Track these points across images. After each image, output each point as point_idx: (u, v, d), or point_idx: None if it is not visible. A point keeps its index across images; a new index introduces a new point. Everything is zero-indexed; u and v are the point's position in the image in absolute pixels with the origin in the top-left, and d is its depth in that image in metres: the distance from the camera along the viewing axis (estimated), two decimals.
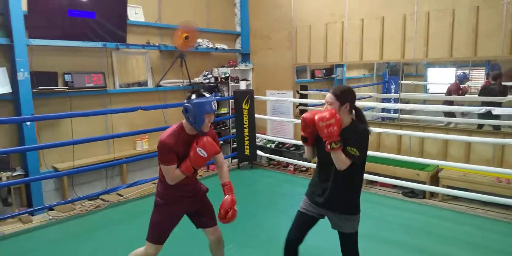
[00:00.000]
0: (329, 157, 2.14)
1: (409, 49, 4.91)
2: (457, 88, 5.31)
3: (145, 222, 3.75)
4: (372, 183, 4.95)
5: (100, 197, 4.53)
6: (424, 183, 4.41)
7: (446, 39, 4.57)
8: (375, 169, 4.82)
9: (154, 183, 5.00)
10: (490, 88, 4.75)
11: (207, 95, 2.25)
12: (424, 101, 5.56)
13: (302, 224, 2.37)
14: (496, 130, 4.39)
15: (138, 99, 5.22)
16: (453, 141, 4.53)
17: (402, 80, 5.51)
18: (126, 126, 5.10)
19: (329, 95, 2.19)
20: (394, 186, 4.75)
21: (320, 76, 6.64)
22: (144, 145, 5.23)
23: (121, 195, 4.61)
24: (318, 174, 2.34)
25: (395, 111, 5.32)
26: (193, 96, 2.22)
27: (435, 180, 4.47)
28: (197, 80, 5.87)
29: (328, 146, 2.08)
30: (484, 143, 4.20)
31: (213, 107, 2.23)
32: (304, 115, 2.25)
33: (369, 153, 4.63)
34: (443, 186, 4.32)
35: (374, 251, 3.18)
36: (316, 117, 2.09)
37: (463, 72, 5.39)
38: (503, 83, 4.67)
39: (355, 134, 2.12)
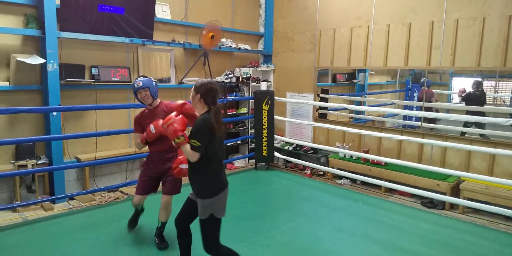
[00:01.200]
0: None
1: (435, 56, 4.83)
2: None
3: None
4: (390, 191, 4.88)
5: (119, 189, 4.60)
6: (444, 194, 4.32)
7: (474, 48, 4.48)
8: (395, 177, 4.75)
9: None
10: (474, 95, 4.99)
11: (140, 78, 3.16)
12: (447, 111, 5.44)
13: (186, 206, 2.63)
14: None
15: (161, 95, 5.18)
16: (477, 152, 4.44)
17: (425, 88, 5.43)
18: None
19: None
20: (413, 196, 4.68)
21: (341, 80, 6.59)
22: None
23: None
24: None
25: (417, 119, 5.24)
26: None
27: (456, 191, 4.38)
28: (218, 79, 5.91)
29: (173, 143, 2.41)
30: (509, 156, 4.10)
31: (135, 85, 3.10)
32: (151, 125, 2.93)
33: (389, 160, 4.66)
34: (464, 198, 4.22)
35: None
36: (159, 123, 2.65)
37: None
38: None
39: (195, 126, 2.37)
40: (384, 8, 5.23)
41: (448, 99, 5.82)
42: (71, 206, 4.09)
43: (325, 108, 6.03)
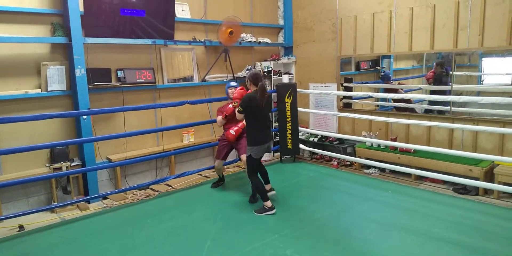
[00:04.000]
0: None
1: (462, 38, 4.65)
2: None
3: (191, 210, 3.94)
4: (421, 179, 4.77)
5: (150, 187, 4.76)
6: (477, 179, 4.17)
7: (504, 26, 4.27)
8: (425, 164, 4.64)
9: (200, 175, 5.18)
10: (442, 75, 5.17)
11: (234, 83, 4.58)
12: (478, 93, 5.22)
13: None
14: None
15: (185, 94, 5.41)
16: (510, 136, 4.26)
17: (454, 71, 5.22)
18: (174, 120, 5.32)
19: None
20: (444, 182, 4.56)
21: (365, 68, 6.45)
22: (190, 138, 5.43)
23: (170, 186, 4.82)
24: None
25: (447, 103, 5.06)
26: None
27: (490, 176, 4.22)
28: (240, 74, 5.94)
29: (231, 105, 4.25)
30: None
31: (230, 84, 4.57)
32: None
33: (418, 147, 4.55)
34: (499, 183, 4.06)
35: (424, 247, 3.09)
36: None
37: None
38: None
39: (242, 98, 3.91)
40: None
41: (478, 81, 5.58)
42: (105, 205, 4.27)
43: (350, 98, 5.94)
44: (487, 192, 4.22)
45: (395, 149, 5.02)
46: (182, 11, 5.40)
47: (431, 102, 5.22)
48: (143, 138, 5.00)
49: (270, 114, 4.51)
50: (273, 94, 5.98)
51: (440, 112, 5.19)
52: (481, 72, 5.50)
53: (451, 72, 5.03)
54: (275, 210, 3.84)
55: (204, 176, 5.20)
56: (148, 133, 4.81)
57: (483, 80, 5.35)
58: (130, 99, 4.87)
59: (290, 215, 3.82)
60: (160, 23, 4.89)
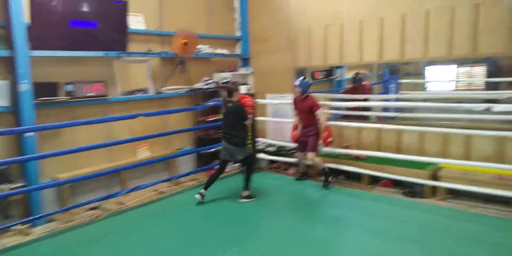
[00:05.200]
0: None
1: (408, 48, 4.90)
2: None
3: (145, 230, 3.78)
4: (373, 183, 4.96)
5: (100, 206, 4.53)
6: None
7: (445, 38, 4.56)
8: (376, 170, 4.80)
9: (156, 190, 5.04)
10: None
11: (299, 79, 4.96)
12: (424, 100, 5.51)
13: None
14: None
15: (139, 107, 5.30)
16: (453, 139, 4.54)
17: (401, 79, 5.51)
18: (127, 134, 5.14)
19: None
20: (394, 186, 4.79)
21: (320, 77, 6.65)
22: (145, 152, 5.29)
23: (122, 204, 4.62)
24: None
25: (394, 110, 5.31)
26: None
27: (435, 179, 4.44)
28: (197, 85, 5.93)
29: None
30: (484, 140, 4.25)
31: (295, 83, 4.97)
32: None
33: (370, 153, 4.73)
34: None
35: (380, 246, 3.25)
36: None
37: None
38: None
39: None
40: (356, 5, 5.31)
41: (423, 87, 5.90)
42: (51, 229, 3.97)
43: None
44: (433, 194, 4.43)
45: (347, 156, 5.20)
46: (136, 22, 5.34)
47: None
48: (93, 155, 4.76)
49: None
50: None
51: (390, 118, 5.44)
52: (425, 79, 5.84)
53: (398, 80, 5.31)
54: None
55: (160, 191, 5.05)
56: (98, 148, 4.48)
57: (426, 87, 5.69)
58: (80, 114, 4.69)
59: (247, 226, 3.82)
60: (113, 35, 4.79)
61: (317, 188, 4.92)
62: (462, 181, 4.17)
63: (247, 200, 4.50)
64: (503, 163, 4.13)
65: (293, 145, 5.77)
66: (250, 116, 4.47)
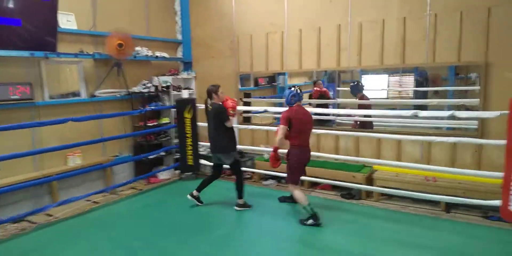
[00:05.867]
0: None
1: (344, 57, 5.14)
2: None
3: (77, 244, 3.51)
4: (313, 186, 5.10)
5: (26, 218, 4.14)
6: (360, 184, 4.60)
7: (377, 48, 4.85)
8: (316, 173, 4.94)
9: (89, 200, 4.72)
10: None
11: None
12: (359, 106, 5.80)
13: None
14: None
15: (71, 111, 4.92)
16: (386, 143, 4.82)
17: (339, 86, 5.76)
18: (57, 141, 4.73)
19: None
20: (333, 189, 4.96)
21: (263, 83, 6.73)
22: (76, 160, 4.92)
23: (51, 215, 4.26)
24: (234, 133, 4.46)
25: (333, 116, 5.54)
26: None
27: (370, 181, 4.69)
28: (135, 89, 5.67)
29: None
30: (413, 144, 4.58)
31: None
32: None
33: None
34: (378, 186, 4.53)
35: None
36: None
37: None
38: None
39: None
40: (296, 14, 5.45)
41: None
42: None
43: (249, 112, 6.10)
44: (368, 196, 4.68)
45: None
46: (67, 22, 4.98)
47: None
48: (17, 163, 4.27)
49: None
50: (172, 109, 5.86)
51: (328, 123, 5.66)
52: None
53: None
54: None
55: (93, 201, 4.73)
56: (22, 156, 4.04)
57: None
58: (3, 118, 4.24)
59: (192, 237, 3.70)
60: (40, 34, 4.42)
61: (253, 192, 4.93)
62: (394, 182, 4.45)
63: (241, 208, 4.38)
64: (428, 164, 4.49)
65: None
66: (231, 117, 4.27)
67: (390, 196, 4.57)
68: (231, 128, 4.33)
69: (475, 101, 4.29)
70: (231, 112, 4.26)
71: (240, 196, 4.40)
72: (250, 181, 5.54)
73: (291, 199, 4.47)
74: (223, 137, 4.28)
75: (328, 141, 5.34)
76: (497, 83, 4.14)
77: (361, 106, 5.47)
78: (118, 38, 5.11)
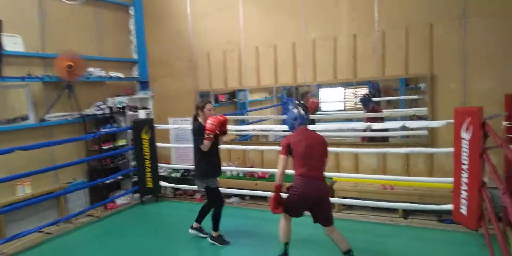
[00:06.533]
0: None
1: (300, 73, 5.26)
2: None
3: None
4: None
5: None
6: None
7: (330, 64, 5.01)
8: (270, 187, 4.91)
9: (41, 232, 4.41)
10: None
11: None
12: (319, 120, 5.91)
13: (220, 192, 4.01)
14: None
15: (19, 138, 4.64)
16: (344, 155, 4.92)
17: (297, 100, 5.85)
18: (4, 171, 4.39)
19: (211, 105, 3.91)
20: None
21: (223, 100, 6.72)
22: (26, 189, 4.60)
23: None
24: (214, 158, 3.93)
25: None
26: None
27: (331, 192, 4.73)
28: (89, 111, 5.45)
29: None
30: (369, 155, 4.70)
31: None
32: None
33: (271, 170, 4.85)
34: (338, 197, 4.60)
35: None
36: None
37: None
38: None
39: None
40: (252, 31, 5.54)
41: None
42: None
43: None
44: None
45: (252, 176, 5.29)
46: (13, 44, 4.76)
47: None
48: None
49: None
50: (128, 131, 5.68)
51: None
52: (318, 100, 6.30)
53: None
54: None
55: (46, 233, 4.42)
56: None
57: (320, 107, 6.14)
58: None
59: None
60: None
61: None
62: (354, 192, 4.53)
63: (214, 242, 3.91)
64: (385, 174, 4.64)
65: None
66: (205, 141, 3.66)
67: (350, 206, 4.64)
68: (210, 152, 3.78)
69: (424, 110, 4.50)
70: (205, 135, 3.65)
71: (215, 228, 3.93)
72: None
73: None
74: (198, 160, 3.85)
75: None
76: (442, 94, 4.38)
77: (371, 119, 5.18)
78: (67, 59, 4.93)
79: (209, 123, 3.65)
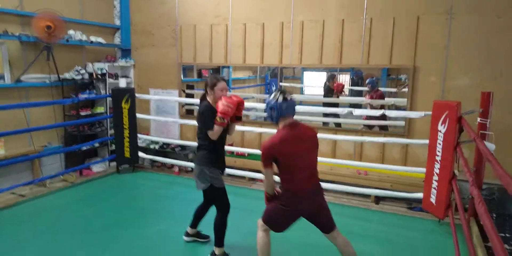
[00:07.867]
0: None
1: (286, 55, 5.26)
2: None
3: (1, 240, 3.24)
4: (254, 179, 5.18)
5: None
6: None
7: (317, 47, 5.03)
8: (257, 166, 5.04)
9: (14, 193, 4.34)
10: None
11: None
12: (300, 102, 6.01)
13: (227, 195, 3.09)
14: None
15: None
16: (322, 140, 5.02)
17: (281, 82, 5.89)
18: None
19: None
20: None
21: (207, 76, 6.64)
22: None
23: None
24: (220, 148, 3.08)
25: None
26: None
27: None
28: (67, 75, 5.25)
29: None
30: (346, 141, 4.83)
31: None
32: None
33: (251, 151, 4.93)
34: None
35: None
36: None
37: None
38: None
39: None
40: (240, 7, 5.43)
41: (301, 91, 6.45)
42: None
43: (192, 104, 6.00)
44: None
45: (231, 153, 5.33)
46: None
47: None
48: None
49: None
50: (108, 98, 5.56)
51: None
52: (302, 84, 6.38)
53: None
54: None
55: (19, 195, 4.36)
56: None
57: (304, 90, 6.22)
58: None
59: (124, 231, 3.57)
60: None
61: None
62: (329, 176, 4.71)
63: None
64: (360, 160, 4.84)
65: (178, 142, 5.63)
66: (216, 127, 2.84)
67: (324, 188, 4.81)
68: (219, 143, 3.00)
69: (403, 101, 4.68)
70: (218, 119, 2.82)
71: (219, 243, 3.04)
72: (192, 174, 5.47)
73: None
74: (201, 146, 3.02)
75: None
76: (422, 86, 4.55)
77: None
78: (46, 20, 4.68)
79: (224, 104, 2.81)
